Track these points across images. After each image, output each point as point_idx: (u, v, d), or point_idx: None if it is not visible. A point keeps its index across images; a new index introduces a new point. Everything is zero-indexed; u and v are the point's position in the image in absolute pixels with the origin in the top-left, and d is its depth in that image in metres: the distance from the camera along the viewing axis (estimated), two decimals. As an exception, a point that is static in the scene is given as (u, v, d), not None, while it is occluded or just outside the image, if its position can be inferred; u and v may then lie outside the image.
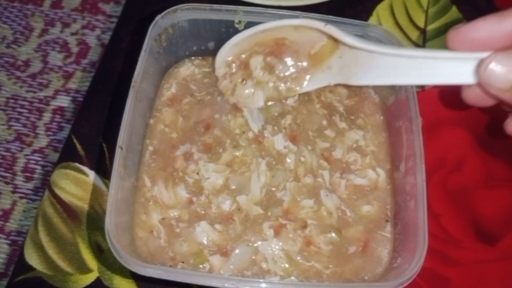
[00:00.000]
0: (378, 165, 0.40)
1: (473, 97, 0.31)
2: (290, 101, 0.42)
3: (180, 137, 0.41)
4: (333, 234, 0.37)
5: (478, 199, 0.44)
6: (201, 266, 0.35)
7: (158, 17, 0.41)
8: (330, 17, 0.42)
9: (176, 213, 0.37)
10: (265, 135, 0.40)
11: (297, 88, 0.40)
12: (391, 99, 0.42)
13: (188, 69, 0.45)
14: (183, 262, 0.35)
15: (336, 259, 0.36)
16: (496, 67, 0.28)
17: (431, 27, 0.54)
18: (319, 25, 0.37)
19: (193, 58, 0.45)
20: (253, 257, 0.36)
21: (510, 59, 0.27)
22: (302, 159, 0.39)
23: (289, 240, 0.36)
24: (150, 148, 0.40)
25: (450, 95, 0.49)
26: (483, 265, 0.41)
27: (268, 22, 0.38)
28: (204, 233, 0.36)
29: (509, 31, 0.28)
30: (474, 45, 0.29)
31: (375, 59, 0.35)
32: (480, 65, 0.28)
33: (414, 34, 0.53)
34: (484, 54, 0.29)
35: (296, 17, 0.39)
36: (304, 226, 0.37)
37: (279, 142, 0.40)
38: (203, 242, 0.36)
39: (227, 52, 0.40)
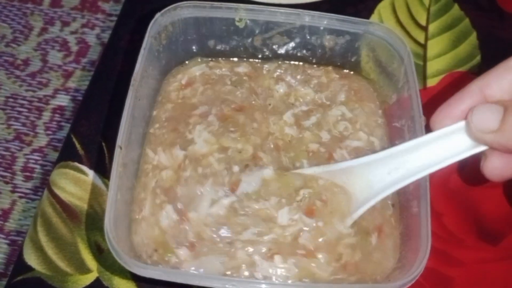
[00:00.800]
0: (371, 134, 0.41)
1: (493, 167, 0.31)
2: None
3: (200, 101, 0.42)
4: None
5: (481, 198, 0.43)
6: (166, 258, 0.35)
7: (158, 14, 0.41)
8: (332, 15, 0.41)
9: (168, 174, 0.37)
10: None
11: None
12: (393, 98, 0.42)
13: (201, 69, 0.44)
14: (156, 251, 0.35)
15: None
16: (480, 109, 0.30)
17: (433, 25, 0.54)
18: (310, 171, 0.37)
19: (205, 58, 0.45)
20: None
21: (489, 104, 0.30)
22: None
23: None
24: (163, 116, 0.41)
25: (453, 94, 0.48)
26: (486, 264, 0.41)
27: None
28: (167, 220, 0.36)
29: (476, 91, 0.31)
30: (456, 115, 0.31)
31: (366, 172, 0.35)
32: (468, 118, 0.30)
33: (416, 32, 0.53)
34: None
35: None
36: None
37: None
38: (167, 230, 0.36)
39: None
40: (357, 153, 0.39)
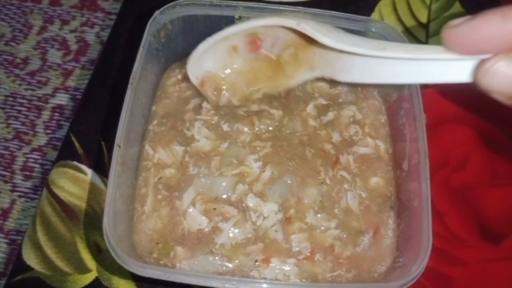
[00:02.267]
0: (377, 137, 0.41)
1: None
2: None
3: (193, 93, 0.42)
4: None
5: (483, 198, 0.43)
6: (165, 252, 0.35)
7: (157, 12, 0.40)
8: (333, 12, 0.41)
9: (172, 171, 0.38)
10: None
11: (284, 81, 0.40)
12: (394, 96, 0.42)
13: None
14: (158, 244, 0.35)
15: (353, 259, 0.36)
16: (500, 70, 0.24)
17: (434, 22, 0.53)
18: (292, 23, 0.34)
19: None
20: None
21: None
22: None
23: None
24: (161, 112, 0.41)
25: (454, 92, 0.48)
26: (488, 264, 0.40)
27: (238, 24, 0.37)
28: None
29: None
30: (473, 46, 0.25)
31: (356, 58, 0.32)
32: (481, 68, 0.25)
33: (417, 30, 0.53)
34: (484, 56, 0.25)
35: (267, 15, 0.38)
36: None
37: None
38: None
39: (197, 61, 0.38)
40: (362, 161, 0.40)
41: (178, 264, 0.35)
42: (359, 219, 0.37)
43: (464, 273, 0.40)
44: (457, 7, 0.55)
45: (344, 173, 0.39)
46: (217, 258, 0.35)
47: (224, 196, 0.37)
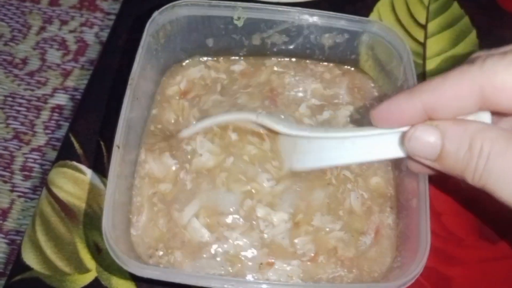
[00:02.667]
0: None
1: (415, 166, 0.32)
2: None
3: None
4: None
5: (481, 197, 0.43)
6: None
7: (156, 13, 0.40)
8: (331, 13, 0.41)
9: (167, 186, 0.38)
10: None
11: None
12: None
13: (200, 71, 0.44)
14: (156, 250, 0.35)
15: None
16: (417, 136, 0.29)
17: (432, 23, 0.54)
18: (251, 117, 0.38)
19: (205, 58, 0.45)
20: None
21: (429, 129, 0.28)
22: None
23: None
24: (159, 117, 0.41)
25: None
26: (486, 263, 0.40)
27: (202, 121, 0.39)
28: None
29: (419, 106, 0.28)
30: (395, 121, 0.30)
31: (310, 143, 0.36)
32: (404, 137, 0.29)
33: (415, 31, 0.53)
34: (405, 128, 0.30)
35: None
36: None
37: None
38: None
39: None
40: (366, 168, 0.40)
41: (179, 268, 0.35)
42: (362, 220, 0.37)
43: (462, 272, 0.40)
44: (455, 7, 0.55)
45: (347, 172, 0.39)
46: (219, 260, 0.35)
47: (232, 209, 0.37)
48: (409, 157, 0.31)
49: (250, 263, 0.35)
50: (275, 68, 0.45)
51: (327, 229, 0.37)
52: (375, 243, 0.36)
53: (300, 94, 0.43)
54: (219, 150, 0.39)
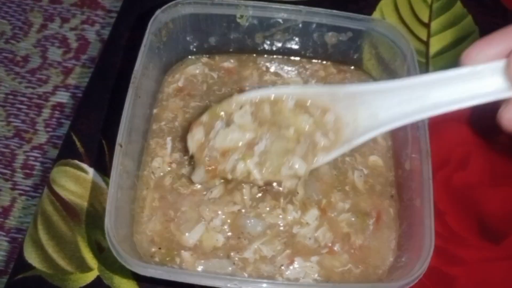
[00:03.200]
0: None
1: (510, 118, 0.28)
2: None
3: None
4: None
5: (483, 197, 0.43)
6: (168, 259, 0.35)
7: (159, 11, 0.40)
8: (335, 12, 0.41)
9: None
10: None
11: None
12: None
13: (196, 68, 0.44)
14: (160, 249, 0.35)
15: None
16: None
17: (435, 22, 0.53)
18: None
19: (202, 56, 0.45)
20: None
21: None
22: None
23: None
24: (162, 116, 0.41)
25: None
26: (488, 263, 0.40)
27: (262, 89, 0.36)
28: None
29: None
30: (493, 54, 0.27)
31: (384, 98, 0.32)
32: (510, 56, 0.26)
33: (418, 29, 0.53)
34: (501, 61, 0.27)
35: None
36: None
37: None
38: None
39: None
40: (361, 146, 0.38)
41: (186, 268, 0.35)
42: (366, 200, 0.38)
43: (464, 272, 0.40)
44: (458, 6, 0.54)
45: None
46: (234, 262, 0.35)
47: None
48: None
49: (269, 266, 0.35)
50: (269, 65, 0.45)
51: (340, 207, 0.37)
52: (376, 229, 0.37)
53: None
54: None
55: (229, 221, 0.36)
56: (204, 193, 0.37)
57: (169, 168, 0.39)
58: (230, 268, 0.35)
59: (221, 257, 0.35)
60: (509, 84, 0.27)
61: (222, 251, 0.35)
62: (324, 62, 0.45)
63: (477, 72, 0.28)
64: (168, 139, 0.40)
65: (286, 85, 0.39)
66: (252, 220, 0.36)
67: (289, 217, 0.37)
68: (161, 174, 0.39)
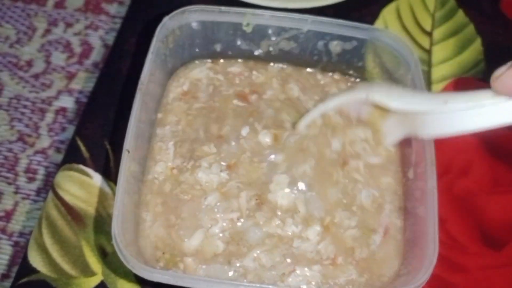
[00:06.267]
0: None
1: None
2: None
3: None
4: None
5: (485, 204, 0.43)
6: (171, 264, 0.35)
7: (166, 18, 0.41)
8: (340, 21, 0.41)
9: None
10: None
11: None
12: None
13: (201, 72, 0.45)
14: (164, 254, 0.35)
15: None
16: None
17: (437, 30, 0.54)
18: (362, 95, 0.36)
19: (207, 60, 0.45)
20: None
21: None
22: None
23: None
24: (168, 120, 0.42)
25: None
26: (490, 271, 0.41)
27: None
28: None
29: None
30: None
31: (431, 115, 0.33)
32: None
33: (421, 38, 0.53)
34: None
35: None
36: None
37: None
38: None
39: None
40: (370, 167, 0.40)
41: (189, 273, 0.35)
42: (374, 217, 0.38)
43: (466, 280, 0.40)
44: (460, 15, 0.55)
45: (356, 175, 0.39)
46: (235, 269, 0.35)
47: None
48: None
49: (269, 274, 0.35)
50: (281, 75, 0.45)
51: (345, 225, 0.37)
52: (383, 242, 0.37)
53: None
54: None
55: (227, 228, 0.36)
56: (205, 197, 0.37)
57: (170, 173, 0.39)
58: (230, 273, 0.35)
59: (222, 262, 0.35)
60: None
61: (222, 257, 0.35)
62: (331, 73, 0.45)
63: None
64: (171, 144, 0.40)
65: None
66: (250, 229, 0.36)
67: (288, 232, 0.36)
68: (163, 179, 0.39)
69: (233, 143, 0.40)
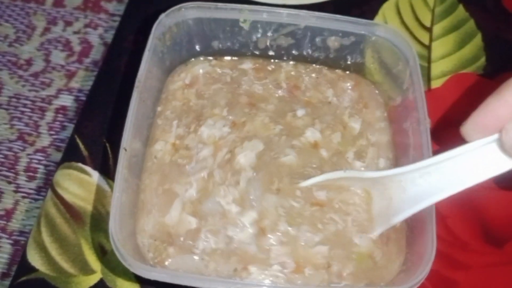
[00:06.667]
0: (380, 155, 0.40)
1: None
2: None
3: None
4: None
5: (486, 201, 0.43)
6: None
7: (162, 15, 0.41)
8: (338, 16, 0.41)
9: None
10: None
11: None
12: (398, 100, 0.42)
13: (204, 68, 0.44)
14: (155, 240, 0.35)
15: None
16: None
17: (437, 26, 0.54)
18: (339, 174, 0.36)
19: (210, 57, 0.45)
20: None
21: None
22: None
23: None
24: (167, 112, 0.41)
25: (458, 96, 0.48)
26: (491, 268, 0.40)
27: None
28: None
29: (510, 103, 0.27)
30: (489, 130, 0.28)
31: (405, 187, 0.33)
32: (502, 136, 0.27)
33: (420, 34, 0.53)
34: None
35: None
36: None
37: None
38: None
39: None
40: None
41: (166, 263, 0.35)
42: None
43: (467, 277, 0.40)
44: (460, 10, 0.55)
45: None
46: (197, 258, 0.35)
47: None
48: None
49: (224, 266, 0.34)
50: (292, 72, 0.45)
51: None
52: (386, 252, 0.36)
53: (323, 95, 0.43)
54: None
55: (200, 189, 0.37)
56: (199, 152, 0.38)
57: (170, 148, 0.40)
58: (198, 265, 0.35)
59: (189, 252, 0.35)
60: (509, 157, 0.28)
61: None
62: (319, 66, 0.45)
63: (479, 147, 0.29)
64: (174, 122, 0.40)
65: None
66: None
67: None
68: (161, 156, 0.39)
69: (247, 110, 0.40)
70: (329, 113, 0.42)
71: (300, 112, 0.41)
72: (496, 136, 0.28)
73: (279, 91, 0.43)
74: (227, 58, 0.45)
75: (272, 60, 0.45)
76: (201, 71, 0.44)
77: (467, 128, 0.29)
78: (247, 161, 0.37)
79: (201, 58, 0.45)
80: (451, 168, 0.31)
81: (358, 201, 0.36)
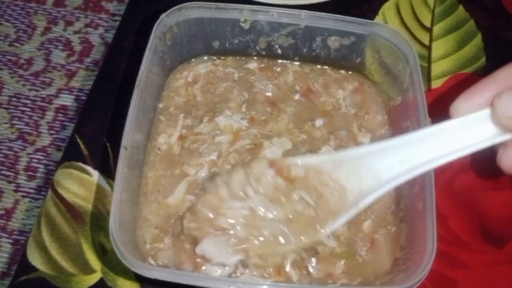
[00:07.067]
0: None
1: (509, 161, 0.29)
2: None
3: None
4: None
5: (486, 201, 0.43)
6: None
7: (163, 15, 0.41)
8: (338, 16, 0.41)
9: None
10: None
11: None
12: (398, 100, 0.42)
13: (207, 67, 0.45)
14: (156, 228, 0.36)
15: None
16: (507, 97, 0.27)
17: (437, 26, 0.54)
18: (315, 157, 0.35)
19: (213, 57, 0.45)
20: None
21: None
22: None
23: None
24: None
25: (457, 95, 0.48)
26: (491, 267, 0.40)
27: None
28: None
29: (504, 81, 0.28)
30: (477, 106, 0.29)
31: (384, 158, 0.32)
32: (493, 103, 0.28)
33: (421, 34, 0.53)
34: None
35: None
36: None
37: None
38: None
39: None
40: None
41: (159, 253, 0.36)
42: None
43: (467, 276, 0.40)
44: (460, 10, 0.55)
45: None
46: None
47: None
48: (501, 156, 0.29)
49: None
50: (299, 73, 0.45)
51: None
52: (371, 252, 0.36)
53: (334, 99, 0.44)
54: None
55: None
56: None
57: (175, 140, 0.40)
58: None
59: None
60: (499, 129, 0.29)
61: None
62: (326, 66, 0.45)
63: (467, 122, 0.29)
64: (181, 116, 0.41)
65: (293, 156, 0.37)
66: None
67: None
68: (166, 148, 0.40)
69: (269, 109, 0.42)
70: (341, 125, 0.43)
71: (318, 123, 0.42)
72: (484, 111, 0.29)
73: (295, 96, 0.44)
74: (230, 57, 0.45)
75: (276, 61, 0.45)
76: (204, 69, 0.45)
77: (457, 102, 0.29)
78: (273, 156, 0.39)
79: (205, 58, 0.45)
80: (434, 144, 0.31)
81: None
